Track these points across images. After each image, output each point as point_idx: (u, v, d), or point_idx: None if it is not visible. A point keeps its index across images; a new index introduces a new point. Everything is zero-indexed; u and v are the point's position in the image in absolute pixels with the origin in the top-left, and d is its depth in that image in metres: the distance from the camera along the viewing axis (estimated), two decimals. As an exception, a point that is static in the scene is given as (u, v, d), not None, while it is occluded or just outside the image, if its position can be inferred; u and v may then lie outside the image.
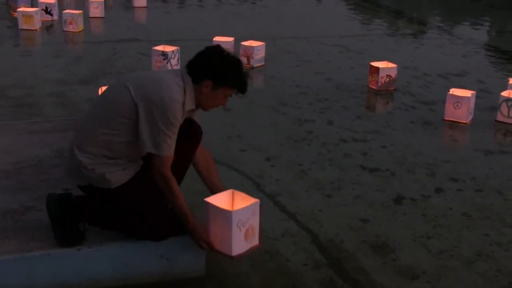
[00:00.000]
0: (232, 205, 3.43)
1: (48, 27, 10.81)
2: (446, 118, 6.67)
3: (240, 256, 3.33)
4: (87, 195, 3.49)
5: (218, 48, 3.47)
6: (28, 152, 4.48)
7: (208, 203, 3.32)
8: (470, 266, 3.90)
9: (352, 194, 4.83)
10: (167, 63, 7.96)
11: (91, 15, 11.22)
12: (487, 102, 7.24)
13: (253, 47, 8.47)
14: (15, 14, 10.84)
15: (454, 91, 6.71)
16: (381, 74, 7.59)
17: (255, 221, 3.38)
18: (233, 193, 3.46)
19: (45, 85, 7.31)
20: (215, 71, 3.36)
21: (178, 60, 8.16)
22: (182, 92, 3.32)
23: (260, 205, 3.41)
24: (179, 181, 3.55)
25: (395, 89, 7.67)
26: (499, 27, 13.43)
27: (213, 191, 3.59)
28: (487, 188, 5.06)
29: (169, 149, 3.28)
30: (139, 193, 3.40)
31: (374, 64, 7.74)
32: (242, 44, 8.53)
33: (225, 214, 3.26)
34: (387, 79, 7.64)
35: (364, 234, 4.22)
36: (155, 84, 3.28)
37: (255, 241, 3.41)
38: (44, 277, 3.30)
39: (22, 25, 10.26)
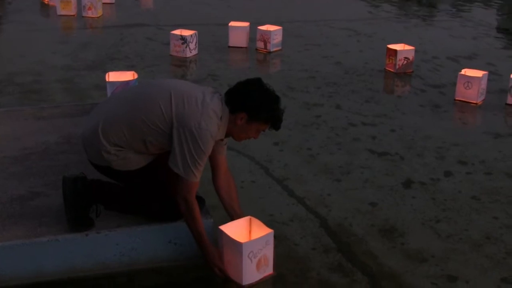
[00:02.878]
0: (250, 232, 3.51)
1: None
2: (456, 98, 6.66)
3: (251, 285, 3.38)
4: (104, 176, 3.52)
5: (258, 82, 3.44)
6: (36, 138, 4.48)
7: (221, 232, 3.38)
8: (478, 249, 3.89)
9: (361, 178, 4.81)
10: (186, 47, 7.97)
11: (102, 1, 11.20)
12: (497, 85, 7.18)
13: (270, 31, 8.43)
14: (46, 1, 10.91)
15: (466, 71, 6.69)
16: (399, 56, 7.55)
17: (269, 251, 3.44)
18: (250, 221, 3.52)
19: (53, 71, 7.32)
20: (252, 105, 3.34)
21: (196, 44, 8.16)
22: (218, 122, 3.31)
23: (275, 236, 3.47)
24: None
25: (412, 71, 7.63)
26: (510, 9, 13.30)
27: (232, 217, 3.63)
28: (496, 171, 5.03)
29: (197, 176, 3.29)
30: (158, 174, 3.43)
31: (392, 46, 7.70)
32: (259, 29, 8.49)
33: (236, 245, 3.31)
34: (405, 62, 7.60)
35: (372, 218, 4.21)
36: (197, 108, 3.26)
37: (268, 270, 3.48)
38: (52, 262, 3.31)
39: (60, 11, 10.33)
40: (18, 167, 4.05)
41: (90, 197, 3.42)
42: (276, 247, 3.75)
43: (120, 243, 3.40)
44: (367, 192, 4.60)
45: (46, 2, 11.20)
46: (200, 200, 3.57)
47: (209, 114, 3.26)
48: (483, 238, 4.01)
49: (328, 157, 5.18)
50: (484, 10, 12.49)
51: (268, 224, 3.98)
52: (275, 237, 3.55)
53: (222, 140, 3.49)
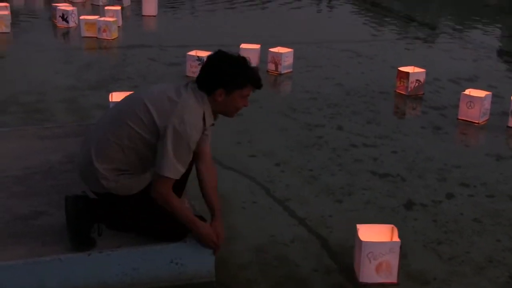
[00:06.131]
0: (391, 237, 3.71)
1: (64, 34, 10.87)
2: (459, 118, 6.74)
3: (367, 285, 3.62)
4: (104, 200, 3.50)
5: (219, 54, 3.42)
6: (39, 158, 4.50)
7: (357, 229, 3.68)
8: (481, 272, 3.88)
9: (362, 199, 4.82)
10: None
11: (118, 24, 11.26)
12: (499, 107, 7.19)
13: (281, 53, 8.45)
14: (56, 22, 11.06)
15: (471, 91, 6.80)
16: (411, 79, 7.58)
17: (394, 259, 3.60)
18: (392, 229, 3.72)
19: (57, 91, 7.35)
20: (222, 78, 3.33)
21: None
22: (202, 114, 3.32)
23: (401, 246, 3.62)
24: (182, 190, 3.62)
25: (423, 94, 7.66)
26: (511, 32, 13.37)
27: (210, 208, 3.63)
28: (498, 193, 5.03)
29: (181, 172, 3.30)
30: None
31: (403, 69, 7.73)
32: (270, 51, 8.51)
33: (359, 242, 3.59)
34: (417, 84, 7.64)
35: (374, 240, 4.20)
36: (179, 110, 3.25)
37: (391, 278, 3.64)
38: (55, 282, 3.31)
39: (85, 32, 10.46)
40: (21, 186, 4.06)
41: (92, 216, 3.42)
42: (277, 267, 3.76)
43: (122, 263, 3.40)
44: (369, 213, 4.60)
45: (56, 23, 11.30)
46: (200, 218, 3.56)
47: (190, 107, 3.26)
48: (486, 261, 4.01)
49: (330, 178, 5.19)
50: (485, 32, 12.55)
51: (269, 244, 4.01)
52: (277, 257, 3.55)
53: (213, 124, 3.48)
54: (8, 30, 10.54)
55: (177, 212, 3.36)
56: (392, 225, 3.74)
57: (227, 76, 3.34)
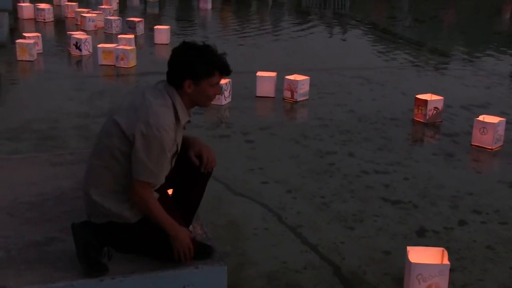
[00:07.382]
0: (441, 260, 3.77)
1: (77, 62, 10.97)
2: (472, 143, 6.77)
3: None
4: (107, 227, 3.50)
5: (182, 46, 3.38)
6: (51, 184, 4.52)
7: (407, 250, 3.74)
8: (494, 299, 3.86)
9: (374, 226, 4.81)
10: (221, 95, 8.07)
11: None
12: (511, 134, 7.18)
13: (297, 81, 8.48)
14: (70, 50, 11.19)
15: (484, 118, 6.83)
16: (429, 106, 7.59)
17: (443, 282, 3.65)
18: (442, 252, 3.78)
19: (69, 118, 7.41)
20: (187, 68, 3.28)
21: (230, 92, 8.30)
22: (171, 112, 3.28)
23: (450, 269, 3.68)
24: (191, 217, 3.62)
25: (441, 121, 7.66)
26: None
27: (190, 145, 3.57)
28: (511, 220, 5.00)
29: (161, 177, 3.30)
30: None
31: (421, 96, 7.74)
32: (286, 78, 8.55)
33: (409, 264, 3.64)
34: (435, 112, 7.63)
35: (386, 267, 4.19)
36: (143, 115, 3.22)
37: None
38: (67, 308, 3.31)
39: (102, 60, 10.50)
40: (34, 212, 4.08)
41: (99, 241, 3.42)
42: (289, 295, 3.75)
43: (135, 289, 3.40)
44: (381, 240, 4.59)
45: (70, 51, 11.41)
46: (209, 248, 3.54)
47: (157, 112, 3.21)
48: (499, 288, 3.99)
49: (341, 205, 5.18)
50: (497, 59, 12.56)
51: (281, 271, 4.00)
52: (289, 284, 3.53)
53: (189, 121, 3.43)
54: (32, 58, 10.58)
55: (155, 215, 3.31)
56: (442, 248, 3.78)
57: (193, 66, 3.28)
